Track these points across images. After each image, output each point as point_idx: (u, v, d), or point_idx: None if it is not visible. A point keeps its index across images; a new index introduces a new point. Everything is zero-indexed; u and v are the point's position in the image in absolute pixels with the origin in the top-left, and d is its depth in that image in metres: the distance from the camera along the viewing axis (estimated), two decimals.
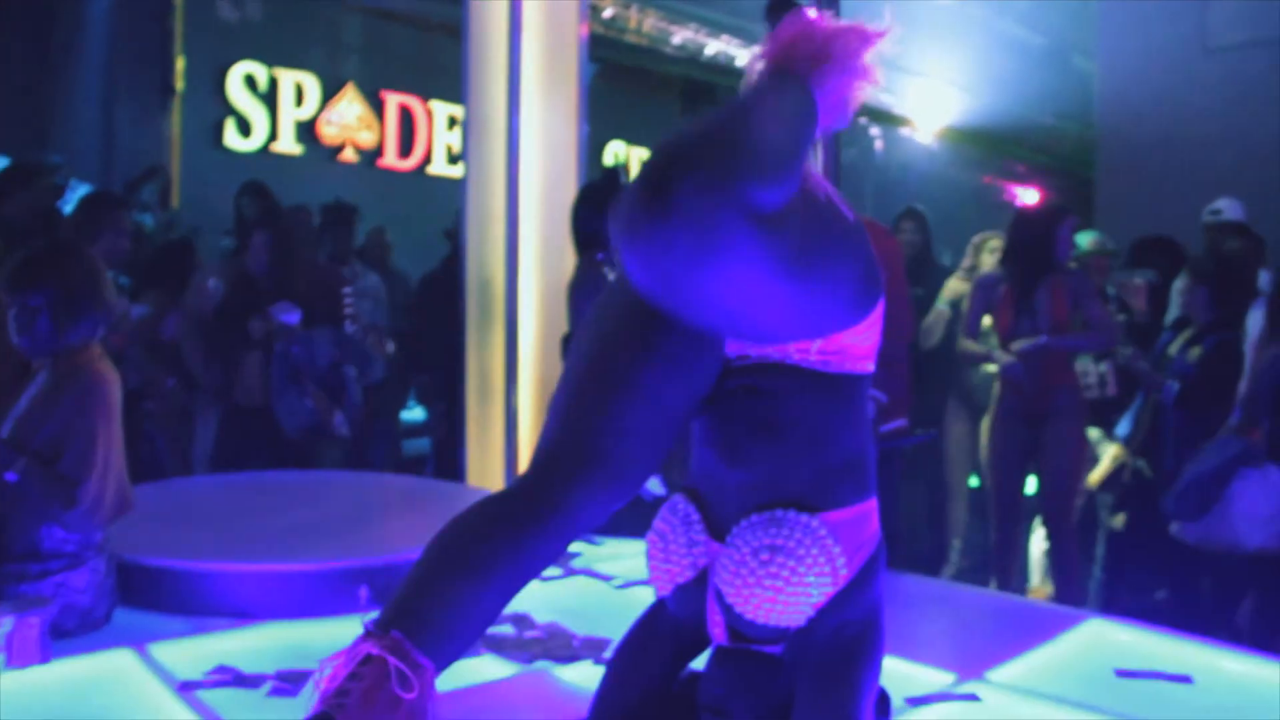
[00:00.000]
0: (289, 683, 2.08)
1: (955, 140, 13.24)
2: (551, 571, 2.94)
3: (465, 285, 4.58)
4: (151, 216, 6.49)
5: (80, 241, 2.74)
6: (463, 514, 1.47)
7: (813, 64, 1.43)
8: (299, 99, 9.17)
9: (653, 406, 1.46)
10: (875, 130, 13.00)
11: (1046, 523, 4.38)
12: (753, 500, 1.52)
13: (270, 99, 9.01)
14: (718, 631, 1.58)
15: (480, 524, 1.44)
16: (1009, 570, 4.36)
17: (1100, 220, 7.68)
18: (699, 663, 1.67)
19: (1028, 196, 13.77)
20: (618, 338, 1.50)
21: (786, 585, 1.48)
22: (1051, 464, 4.25)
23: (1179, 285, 4.64)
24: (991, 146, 13.74)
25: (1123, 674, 2.15)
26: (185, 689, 2.07)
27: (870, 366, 1.55)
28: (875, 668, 1.58)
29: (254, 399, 4.36)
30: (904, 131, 13.17)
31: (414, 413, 6.90)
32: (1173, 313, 4.69)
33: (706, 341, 1.49)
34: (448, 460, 5.35)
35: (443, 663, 1.35)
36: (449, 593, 1.36)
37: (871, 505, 1.60)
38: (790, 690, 1.58)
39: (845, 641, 1.55)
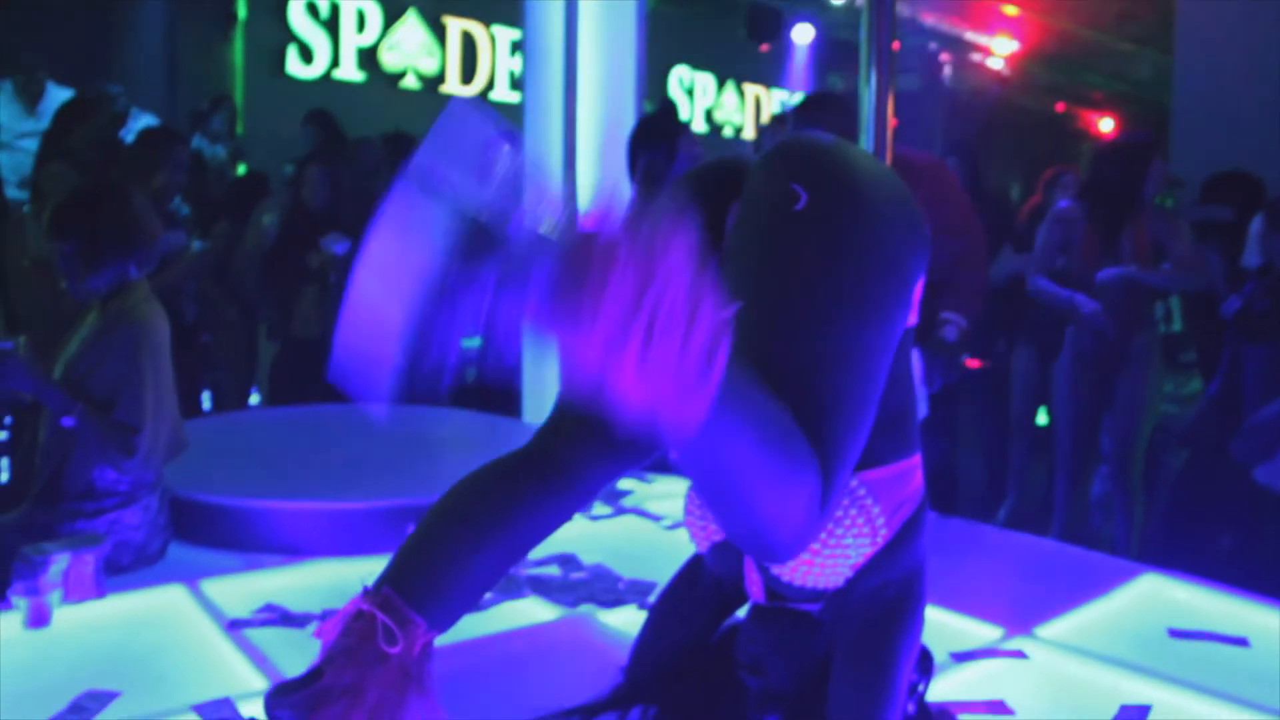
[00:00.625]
0: None
1: (1028, 66, 12.90)
2: (601, 510, 2.95)
3: None
4: (223, 147, 6.53)
5: (119, 183, 2.74)
6: (472, 472, 1.44)
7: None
8: (360, 25, 9.13)
9: None
10: (945, 56, 12.69)
11: (1113, 470, 4.28)
12: None
13: (332, 26, 8.98)
14: (755, 590, 1.56)
15: (485, 483, 1.41)
16: (1069, 516, 4.29)
17: (1176, 151, 7.45)
18: (743, 613, 1.65)
19: (1103, 124, 13.42)
20: None
21: (823, 547, 1.45)
22: (1124, 411, 4.12)
23: (1257, 228, 4.47)
24: (1066, 72, 13.37)
25: (1176, 634, 2.10)
26: (233, 627, 2.10)
27: (914, 319, 1.50)
28: (915, 629, 1.55)
29: (310, 331, 4.39)
30: (974, 57, 12.84)
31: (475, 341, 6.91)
32: (1249, 256, 4.52)
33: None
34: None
35: (440, 620, 1.32)
36: (447, 551, 1.33)
37: (914, 462, 1.56)
38: (828, 650, 1.56)
39: (885, 602, 1.52)
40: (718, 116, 12.16)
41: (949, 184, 3.48)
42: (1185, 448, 4.52)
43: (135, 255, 2.47)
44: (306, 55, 8.84)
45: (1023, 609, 2.19)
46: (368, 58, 9.21)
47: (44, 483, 2.46)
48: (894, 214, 1.37)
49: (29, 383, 2.37)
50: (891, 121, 3.18)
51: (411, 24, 9.44)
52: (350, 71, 9.10)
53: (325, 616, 2.11)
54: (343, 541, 2.58)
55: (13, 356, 2.34)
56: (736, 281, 1.31)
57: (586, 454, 1.43)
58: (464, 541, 1.35)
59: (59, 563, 2.20)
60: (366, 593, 1.31)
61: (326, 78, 8.97)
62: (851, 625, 1.52)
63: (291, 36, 8.76)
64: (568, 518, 1.46)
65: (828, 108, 3.38)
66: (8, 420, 4.63)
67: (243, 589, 2.33)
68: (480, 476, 1.43)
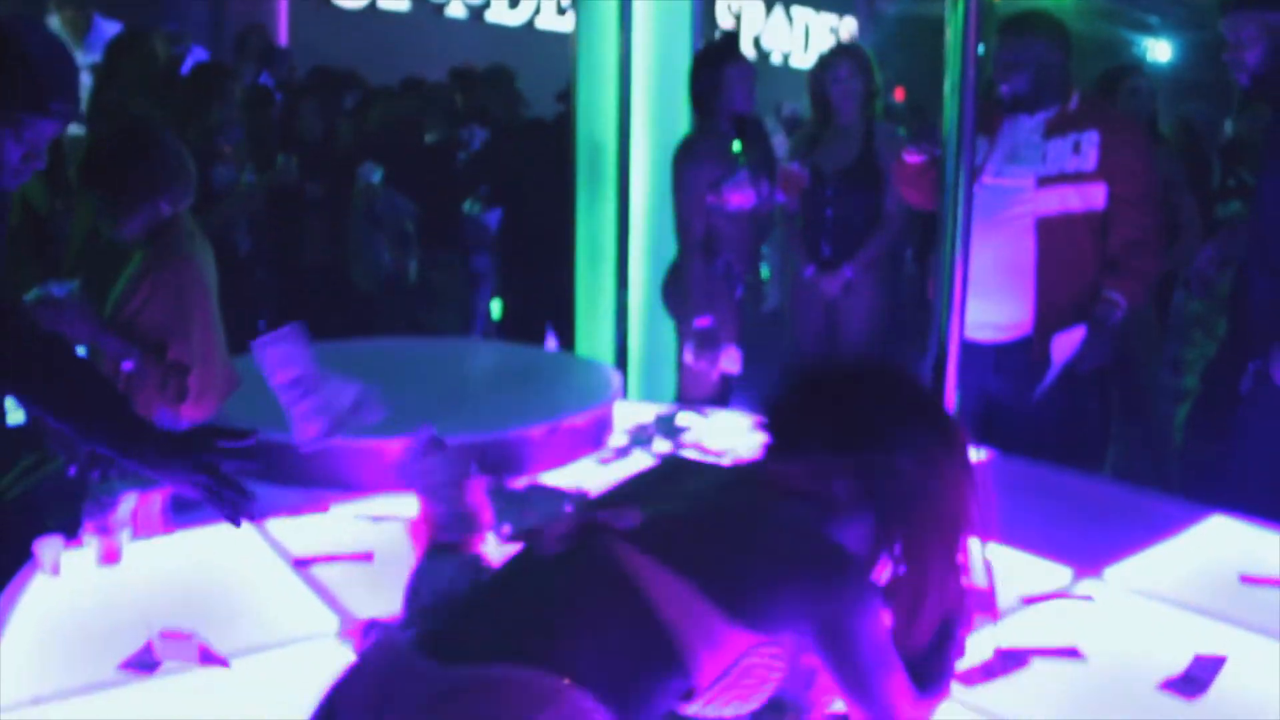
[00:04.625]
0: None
1: None
2: (661, 445, 2.92)
3: (575, 147, 4.49)
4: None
5: (144, 123, 2.75)
6: None
7: None
8: None
9: None
10: None
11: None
12: None
13: None
14: None
15: None
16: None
17: None
18: None
19: None
20: None
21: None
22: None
23: None
24: None
25: (1247, 580, 2.07)
26: (300, 565, 2.13)
27: None
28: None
29: (318, 256, 4.42)
30: None
31: None
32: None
33: None
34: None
35: None
36: None
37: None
38: None
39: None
40: (765, 43, 11.97)
41: (1144, 153, 3.16)
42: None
43: (165, 194, 2.46)
44: None
45: (1092, 551, 2.17)
46: None
47: None
48: None
49: (86, 329, 2.37)
50: None
51: None
52: (395, 0, 9.02)
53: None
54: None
55: (69, 304, 2.34)
56: None
57: None
58: None
59: (127, 501, 2.22)
60: None
61: (372, 7, 8.88)
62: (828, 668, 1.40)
63: None
64: None
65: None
66: None
67: (306, 525, 2.35)
68: None
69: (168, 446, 1.72)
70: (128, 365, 2.39)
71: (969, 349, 3.08)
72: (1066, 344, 3.03)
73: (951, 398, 2.73)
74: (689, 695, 1.30)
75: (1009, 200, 3.09)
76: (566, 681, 1.16)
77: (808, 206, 4.06)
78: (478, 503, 1.78)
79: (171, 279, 2.39)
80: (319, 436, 1.99)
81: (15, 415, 5.01)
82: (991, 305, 3.06)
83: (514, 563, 1.40)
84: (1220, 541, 2.27)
